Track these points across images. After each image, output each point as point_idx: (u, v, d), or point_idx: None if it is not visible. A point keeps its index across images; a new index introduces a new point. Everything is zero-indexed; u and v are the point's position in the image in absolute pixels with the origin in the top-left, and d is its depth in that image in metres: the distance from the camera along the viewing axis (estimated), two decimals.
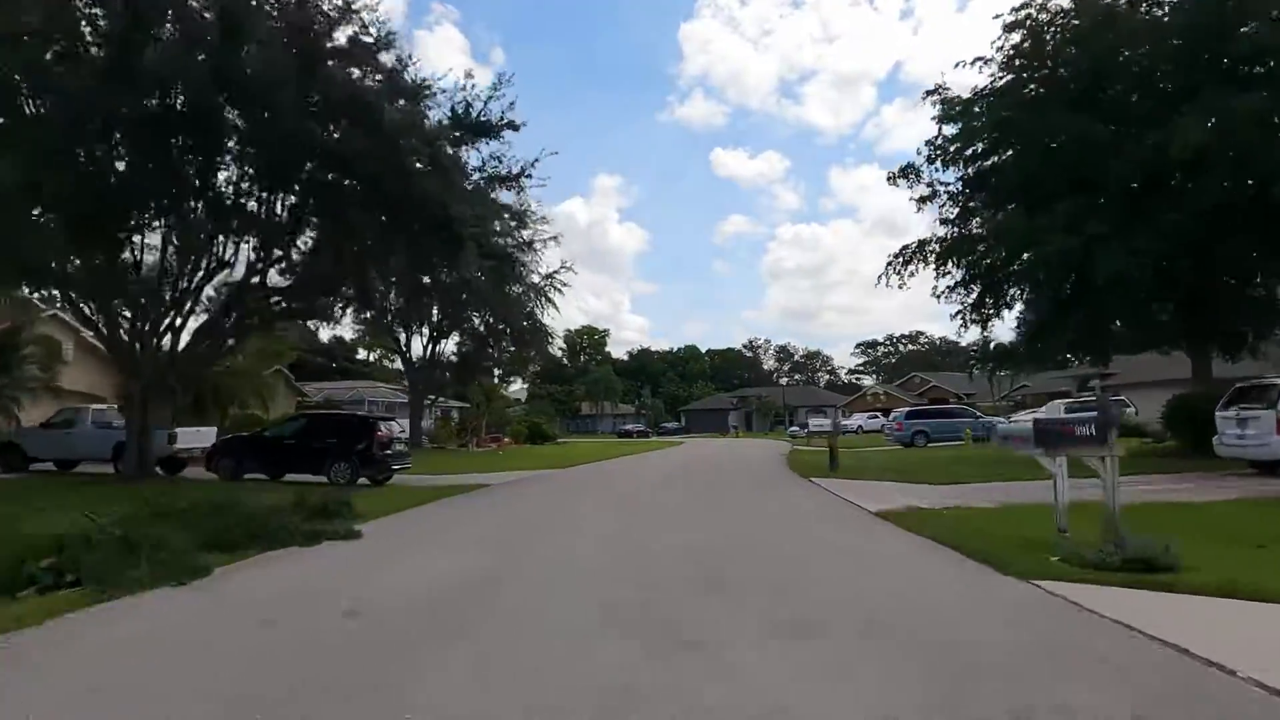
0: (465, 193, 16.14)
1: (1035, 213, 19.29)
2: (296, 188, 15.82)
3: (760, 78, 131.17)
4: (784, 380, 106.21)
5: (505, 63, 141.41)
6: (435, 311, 38.76)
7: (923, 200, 24.74)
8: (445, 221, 14.67)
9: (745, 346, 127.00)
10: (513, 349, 41.67)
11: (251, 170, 15.92)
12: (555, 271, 39.68)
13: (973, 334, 26.57)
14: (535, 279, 39.14)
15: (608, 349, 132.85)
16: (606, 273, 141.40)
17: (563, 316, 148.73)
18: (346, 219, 15.45)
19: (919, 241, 23.94)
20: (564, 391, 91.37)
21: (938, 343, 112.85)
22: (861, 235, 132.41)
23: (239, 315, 18.04)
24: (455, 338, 41.71)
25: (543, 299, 39.25)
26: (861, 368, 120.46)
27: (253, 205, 16.58)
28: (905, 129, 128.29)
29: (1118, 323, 21.31)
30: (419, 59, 37.57)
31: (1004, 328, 35.94)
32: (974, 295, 23.34)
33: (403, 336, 40.08)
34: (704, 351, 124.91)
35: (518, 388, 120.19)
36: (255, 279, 17.15)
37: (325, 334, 62.52)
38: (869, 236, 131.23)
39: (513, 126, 16.36)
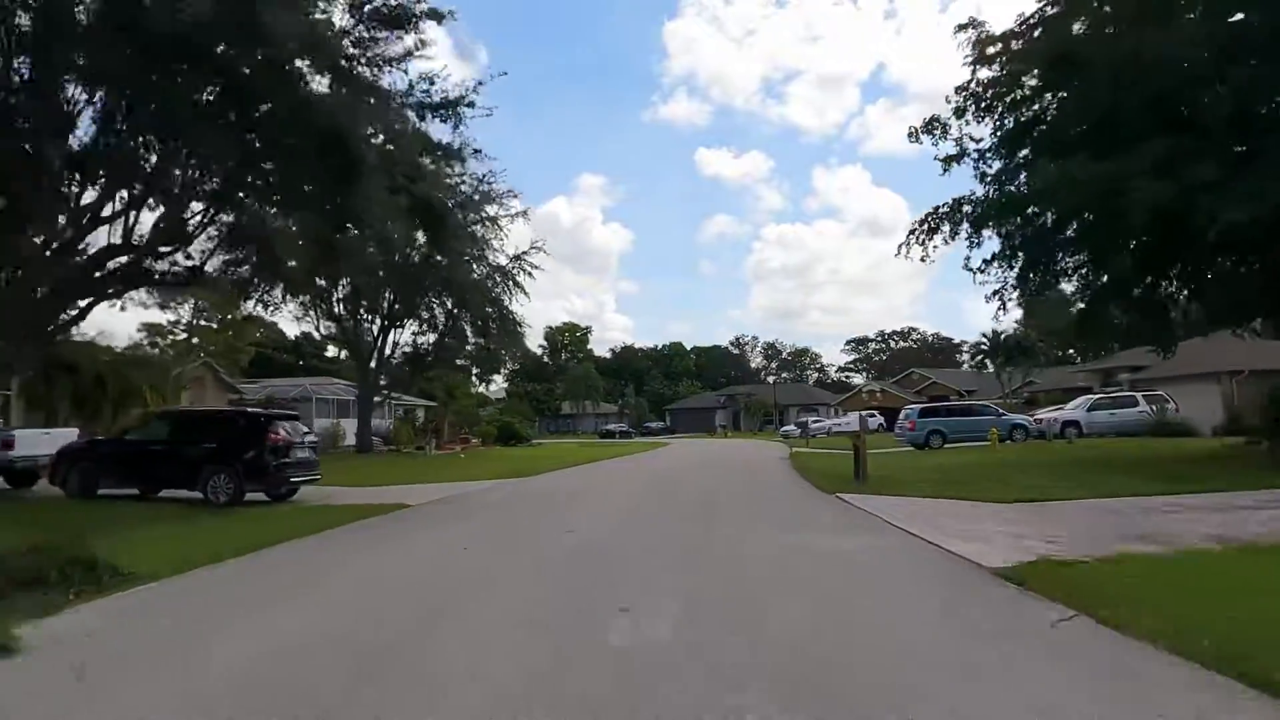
0: (372, 108, 11.93)
1: (1109, 159, 15.27)
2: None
3: (744, 77, 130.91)
4: (771, 378, 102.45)
5: (489, 59, 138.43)
6: (390, 297, 34.40)
7: (949, 161, 20.62)
8: (335, 137, 10.41)
9: (732, 344, 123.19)
10: (479, 341, 37.17)
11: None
12: (525, 253, 35.38)
13: (1013, 315, 22.51)
14: (502, 261, 34.85)
15: (590, 347, 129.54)
16: (591, 273, 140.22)
17: (534, 305, 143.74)
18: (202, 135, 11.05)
19: (952, 202, 19.81)
20: (543, 390, 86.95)
21: (930, 339, 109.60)
22: (846, 235, 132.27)
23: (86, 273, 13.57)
24: (413, 327, 37.12)
25: (510, 283, 34.89)
26: (852, 365, 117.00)
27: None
28: (889, 129, 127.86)
29: (1203, 295, 17.30)
30: None
31: (1045, 307, 31.63)
32: (1018, 267, 19.26)
33: (366, 329, 35.70)
34: (689, 349, 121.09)
35: (498, 386, 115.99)
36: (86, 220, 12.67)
37: (293, 329, 57.89)
38: (853, 237, 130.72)
39: (435, 16, 12.07)
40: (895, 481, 14.75)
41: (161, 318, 41.00)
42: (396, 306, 34.84)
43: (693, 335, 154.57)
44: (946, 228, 20.01)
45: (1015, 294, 19.69)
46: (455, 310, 34.80)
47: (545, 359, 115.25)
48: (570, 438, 76.74)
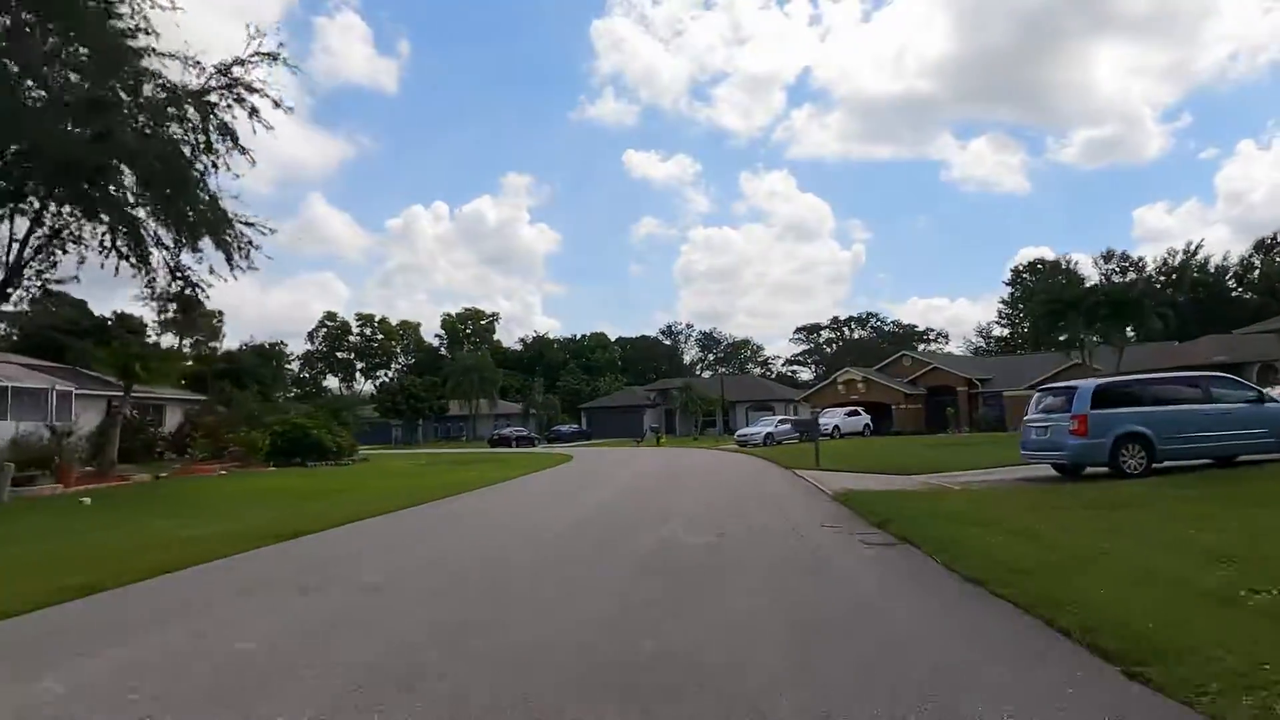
0: None
1: None
2: None
3: (672, 78, 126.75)
4: (707, 373, 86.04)
5: (411, 54, 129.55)
6: None
7: None
8: None
9: (663, 333, 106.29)
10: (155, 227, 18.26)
11: None
12: (241, 64, 16.84)
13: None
14: (191, 80, 16.39)
15: (498, 337, 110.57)
16: (517, 274, 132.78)
17: (443, 304, 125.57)
18: None
19: None
20: (424, 385, 67.90)
21: (893, 328, 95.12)
22: (773, 239, 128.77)
23: None
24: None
25: (209, 128, 16.43)
26: (801, 358, 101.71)
27: None
28: (814, 135, 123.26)
29: None
30: None
31: None
32: None
33: None
34: (613, 340, 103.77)
35: (367, 388, 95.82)
36: None
37: None
38: (779, 241, 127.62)
39: None
40: None
41: None
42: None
43: (621, 334, 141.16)
44: None
45: None
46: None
47: (443, 350, 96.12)
48: (449, 446, 58.16)
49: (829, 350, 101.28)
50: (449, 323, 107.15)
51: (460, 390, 68.12)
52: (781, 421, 40.55)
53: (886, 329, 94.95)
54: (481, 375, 67.89)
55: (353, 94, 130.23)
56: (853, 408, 44.65)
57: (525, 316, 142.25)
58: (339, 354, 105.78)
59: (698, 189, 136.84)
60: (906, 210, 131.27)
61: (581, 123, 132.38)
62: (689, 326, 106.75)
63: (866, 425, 44.64)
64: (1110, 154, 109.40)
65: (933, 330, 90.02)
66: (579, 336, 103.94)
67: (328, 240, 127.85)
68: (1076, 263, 72.95)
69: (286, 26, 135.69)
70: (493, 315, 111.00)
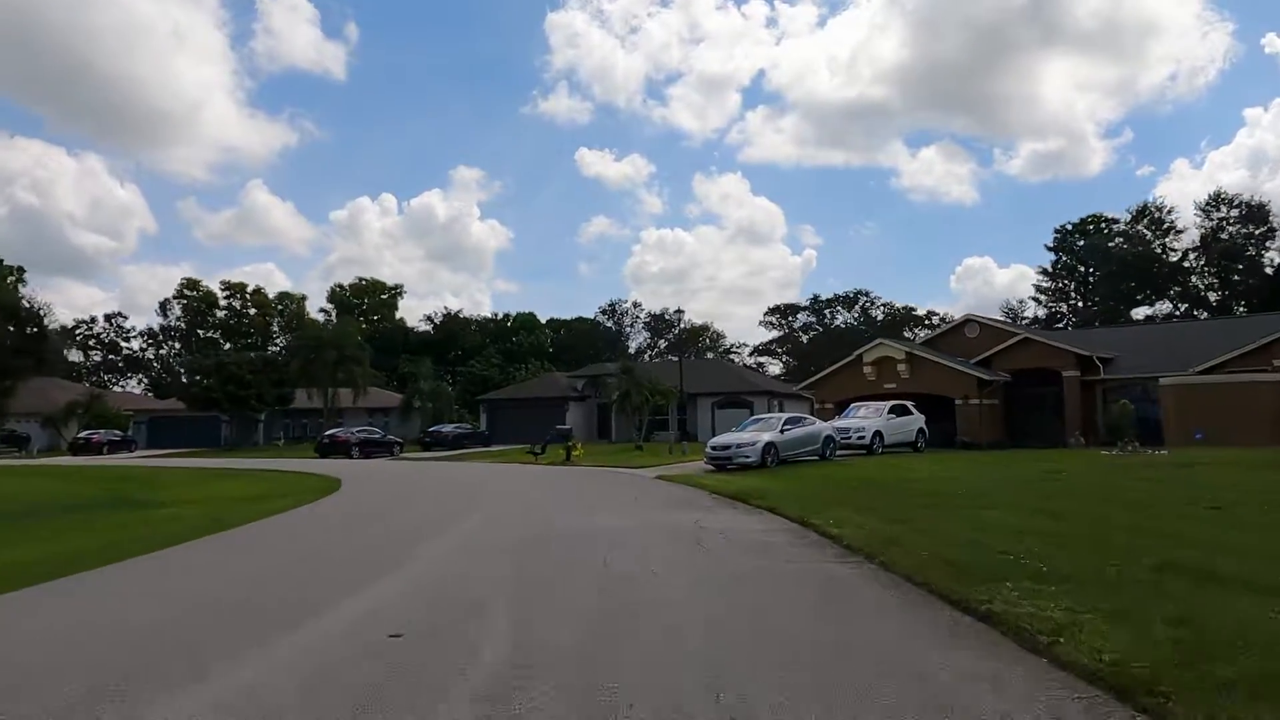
0: None
1: None
2: None
3: (627, 75, 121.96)
4: (656, 361, 67.60)
5: (360, 39, 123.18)
6: None
7: None
8: None
9: (604, 313, 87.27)
10: None
11: None
12: None
13: None
14: None
15: (401, 316, 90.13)
16: (466, 270, 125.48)
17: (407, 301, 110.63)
18: None
19: None
20: (252, 364, 47.72)
21: (880, 310, 77.76)
22: (724, 242, 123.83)
23: None
24: None
25: None
26: (772, 347, 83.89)
27: None
28: (768, 138, 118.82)
29: None
30: None
31: None
32: None
33: None
34: (544, 321, 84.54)
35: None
36: None
37: None
38: (731, 244, 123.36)
39: None
40: None
41: None
42: None
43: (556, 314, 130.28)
44: None
45: None
46: None
47: (329, 327, 75.23)
48: (252, 458, 38.47)
49: (803, 339, 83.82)
50: (339, 295, 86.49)
51: (310, 374, 48.13)
52: (789, 423, 22.06)
53: (878, 313, 77.63)
54: (342, 354, 47.99)
55: (298, 79, 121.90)
56: (897, 402, 26.51)
57: (474, 313, 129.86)
58: (201, 332, 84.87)
59: (651, 190, 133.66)
60: (856, 216, 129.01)
61: (534, 118, 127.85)
62: (635, 306, 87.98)
63: (920, 432, 26.72)
64: (1053, 167, 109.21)
65: (935, 314, 73.04)
66: (500, 316, 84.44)
67: (268, 231, 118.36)
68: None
69: (228, 3, 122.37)
70: (395, 288, 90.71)
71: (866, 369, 30.86)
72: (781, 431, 21.45)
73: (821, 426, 23.10)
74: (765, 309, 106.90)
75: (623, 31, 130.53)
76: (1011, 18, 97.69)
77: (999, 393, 29.55)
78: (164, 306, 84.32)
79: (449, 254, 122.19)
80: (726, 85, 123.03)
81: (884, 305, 78.20)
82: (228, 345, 78.27)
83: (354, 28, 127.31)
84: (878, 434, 24.58)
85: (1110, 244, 57.33)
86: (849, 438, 24.21)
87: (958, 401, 28.80)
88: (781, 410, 40.35)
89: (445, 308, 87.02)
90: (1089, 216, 59.34)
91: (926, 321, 72.10)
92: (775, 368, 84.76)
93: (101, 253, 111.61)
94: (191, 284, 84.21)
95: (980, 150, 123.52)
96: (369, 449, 35.57)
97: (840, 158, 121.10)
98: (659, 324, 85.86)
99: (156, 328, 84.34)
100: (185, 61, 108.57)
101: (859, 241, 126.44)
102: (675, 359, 53.55)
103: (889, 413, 25.66)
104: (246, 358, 48.78)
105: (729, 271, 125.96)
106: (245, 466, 27.81)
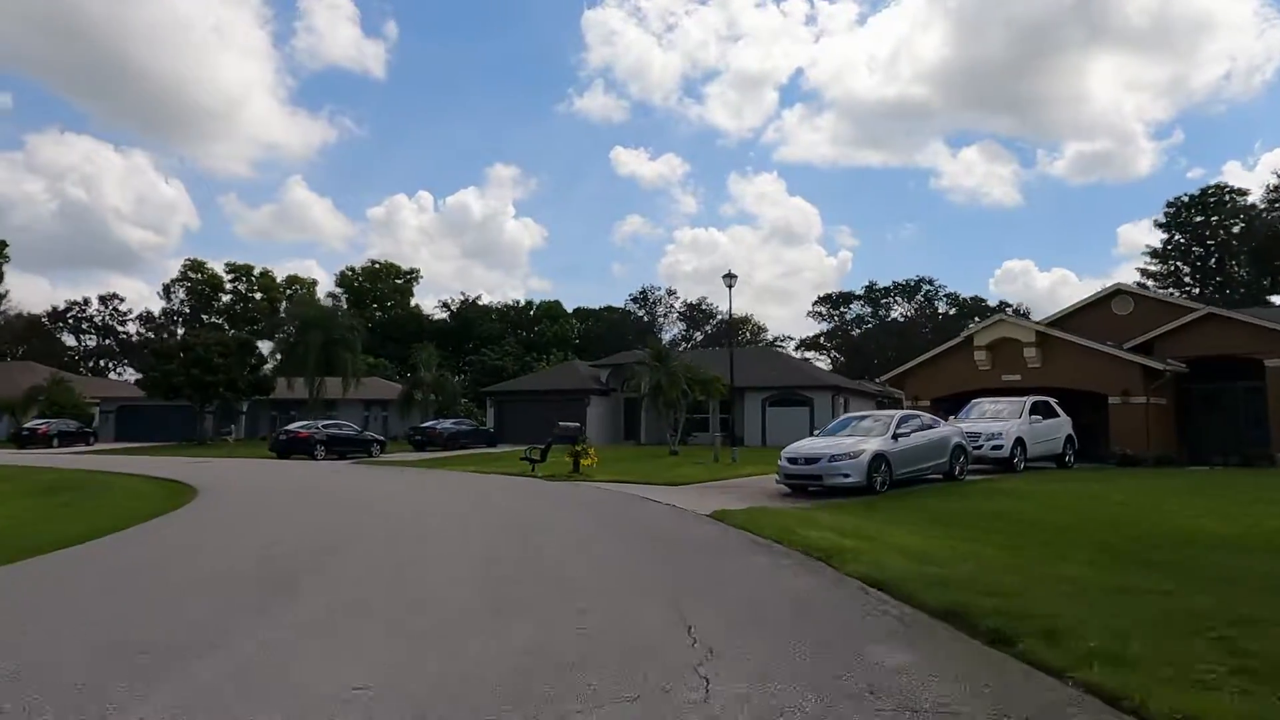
0: None
1: None
2: None
3: (663, 73, 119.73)
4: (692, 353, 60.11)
5: (399, 37, 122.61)
6: None
7: None
8: None
9: (635, 301, 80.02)
10: None
11: None
12: None
13: None
14: None
15: (416, 302, 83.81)
16: (501, 268, 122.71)
17: (426, 296, 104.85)
18: None
19: None
20: (223, 345, 41.35)
21: (945, 302, 69.18)
22: (759, 242, 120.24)
23: None
24: None
25: None
26: (821, 339, 75.91)
27: None
28: (805, 136, 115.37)
29: None
30: None
31: None
32: None
33: None
34: (570, 311, 77.52)
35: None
36: None
37: None
38: (765, 244, 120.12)
39: None
40: None
41: None
42: None
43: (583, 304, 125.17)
44: None
45: None
46: None
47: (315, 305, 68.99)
48: (174, 455, 32.12)
49: (854, 333, 75.66)
50: (348, 279, 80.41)
51: (293, 360, 41.61)
52: (904, 424, 14.58)
53: (941, 304, 69.14)
54: (329, 336, 41.36)
55: (338, 77, 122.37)
56: (1038, 399, 18.82)
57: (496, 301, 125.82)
58: (205, 316, 79.52)
59: (685, 189, 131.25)
60: (894, 217, 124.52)
61: (569, 116, 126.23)
62: (670, 294, 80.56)
63: (1069, 440, 19.16)
64: (1099, 169, 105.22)
65: (1009, 304, 64.31)
66: (522, 303, 77.71)
67: (308, 227, 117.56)
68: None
69: (270, 1, 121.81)
70: (410, 273, 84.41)
71: (978, 355, 23.11)
72: (895, 437, 14.06)
73: (948, 431, 15.59)
74: (809, 305, 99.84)
75: (659, 29, 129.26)
76: (1057, 16, 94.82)
77: (1167, 389, 21.61)
78: (167, 290, 79.25)
79: (484, 251, 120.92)
80: (764, 83, 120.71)
81: (948, 295, 69.68)
82: (231, 331, 72.83)
83: (393, 26, 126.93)
84: (1019, 442, 17.07)
85: (1244, 218, 48.62)
86: (979, 447, 16.75)
87: (1113, 400, 20.95)
88: (846, 410, 32.68)
89: (463, 293, 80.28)
90: (1211, 187, 50.51)
91: (981, 308, 63.53)
92: (823, 364, 76.98)
93: (146, 247, 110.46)
94: (196, 265, 79.04)
95: (1023, 151, 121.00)
96: (339, 448, 28.79)
97: (878, 158, 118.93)
98: (695, 314, 78.29)
99: (157, 312, 78.97)
100: (228, 59, 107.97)
101: (896, 243, 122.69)
102: (715, 349, 45.88)
103: (1030, 412, 18.04)
104: (215, 338, 42.31)
105: (763, 272, 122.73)
106: (110, 467, 21.31)
